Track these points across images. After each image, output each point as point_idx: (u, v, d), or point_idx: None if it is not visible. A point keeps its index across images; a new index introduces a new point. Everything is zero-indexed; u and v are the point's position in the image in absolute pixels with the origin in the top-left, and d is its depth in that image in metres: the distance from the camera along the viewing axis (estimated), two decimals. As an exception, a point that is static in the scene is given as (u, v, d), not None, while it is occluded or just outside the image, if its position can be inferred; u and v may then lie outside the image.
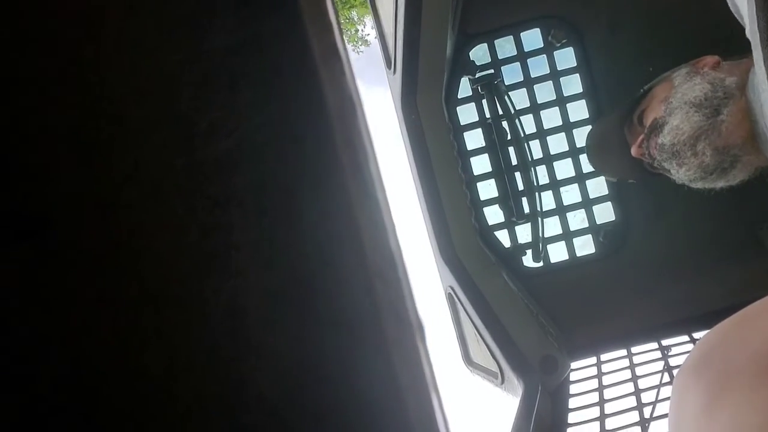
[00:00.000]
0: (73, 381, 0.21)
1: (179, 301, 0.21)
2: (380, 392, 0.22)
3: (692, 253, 1.51)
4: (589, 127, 1.54)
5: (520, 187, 1.53)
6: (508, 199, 1.53)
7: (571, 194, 1.58)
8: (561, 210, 1.57)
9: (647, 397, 1.15)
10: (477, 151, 1.55)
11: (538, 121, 1.56)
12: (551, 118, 1.57)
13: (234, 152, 0.22)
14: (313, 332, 0.22)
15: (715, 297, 1.45)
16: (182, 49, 0.22)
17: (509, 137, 1.52)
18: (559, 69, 1.55)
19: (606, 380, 1.29)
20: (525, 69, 1.55)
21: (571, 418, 1.20)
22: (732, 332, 0.53)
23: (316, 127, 0.22)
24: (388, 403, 0.22)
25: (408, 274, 0.24)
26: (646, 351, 1.37)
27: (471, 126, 1.55)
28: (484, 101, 1.53)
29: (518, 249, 1.56)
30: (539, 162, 1.56)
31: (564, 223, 1.57)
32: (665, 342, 1.38)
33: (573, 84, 1.56)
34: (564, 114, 1.56)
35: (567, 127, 1.55)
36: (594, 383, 1.29)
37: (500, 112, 1.51)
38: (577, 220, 1.58)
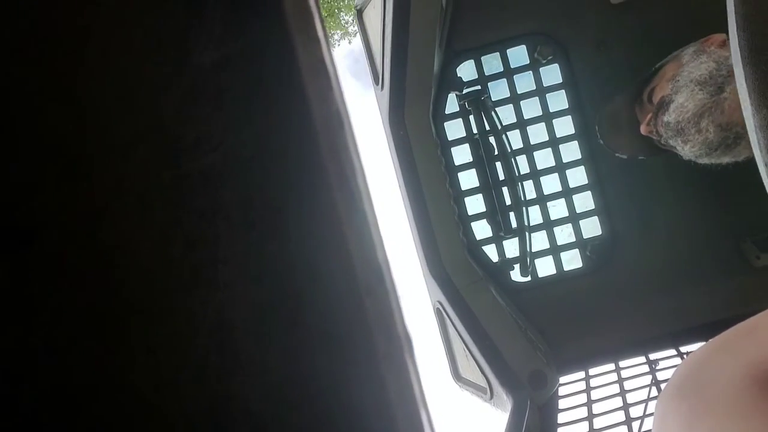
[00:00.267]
0: (57, 398, 0.20)
1: (166, 314, 0.21)
2: (369, 406, 0.22)
3: (679, 267, 1.52)
4: (575, 143, 1.55)
5: (508, 201, 1.53)
6: (495, 213, 1.54)
7: (558, 209, 1.59)
8: (548, 224, 1.58)
9: (636, 411, 1.16)
10: (464, 167, 1.56)
11: (525, 137, 1.58)
12: (538, 133, 1.58)
13: (220, 166, 0.22)
14: (302, 346, 0.22)
15: (702, 310, 1.46)
16: (169, 63, 0.22)
17: (496, 152, 1.53)
18: (545, 85, 1.56)
19: (594, 394, 1.29)
20: (511, 85, 1.56)
21: (561, 433, 1.20)
22: (710, 358, 0.53)
23: (302, 141, 0.22)
24: (377, 417, 0.22)
25: (396, 288, 0.24)
26: (634, 365, 1.38)
27: (458, 141, 1.56)
28: (472, 117, 1.54)
29: (506, 263, 1.56)
30: (526, 177, 1.57)
31: (551, 237, 1.58)
32: (653, 356, 1.38)
33: (559, 100, 1.57)
34: (550, 129, 1.57)
35: (553, 142, 1.57)
36: (583, 398, 1.29)
37: (487, 128, 1.52)
38: (564, 234, 1.59)
